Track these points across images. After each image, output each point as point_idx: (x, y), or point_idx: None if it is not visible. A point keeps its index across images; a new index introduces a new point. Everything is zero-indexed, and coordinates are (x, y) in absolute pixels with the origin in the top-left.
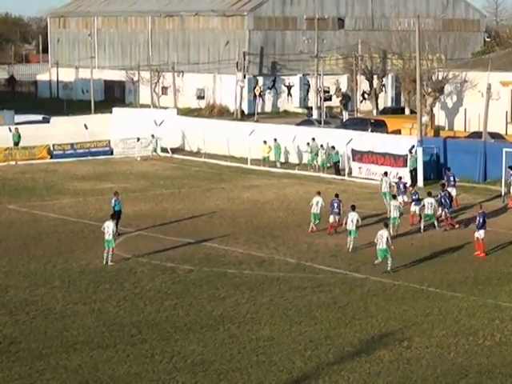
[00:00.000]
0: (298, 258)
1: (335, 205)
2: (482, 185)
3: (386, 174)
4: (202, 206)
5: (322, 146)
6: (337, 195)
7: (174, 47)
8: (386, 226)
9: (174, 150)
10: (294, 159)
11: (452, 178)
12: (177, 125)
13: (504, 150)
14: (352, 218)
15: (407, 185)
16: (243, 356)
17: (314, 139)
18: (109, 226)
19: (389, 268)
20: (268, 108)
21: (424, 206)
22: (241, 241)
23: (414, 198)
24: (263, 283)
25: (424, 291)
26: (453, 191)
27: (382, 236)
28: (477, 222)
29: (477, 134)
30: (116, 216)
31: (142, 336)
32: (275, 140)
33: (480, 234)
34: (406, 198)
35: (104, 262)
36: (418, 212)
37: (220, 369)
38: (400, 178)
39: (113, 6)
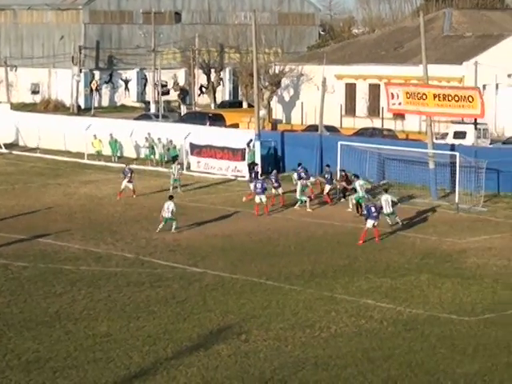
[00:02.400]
0: (136, 252)
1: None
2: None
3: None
4: (38, 202)
5: (159, 139)
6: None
7: (7, 41)
8: (386, 190)
9: (7, 146)
10: (131, 154)
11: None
12: (10, 120)
13: (339, 142)
14: (168, 206)
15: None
16: (80, 353)
17: (149, 134)
18: None
19: (399, 221)
20: (105, 102)
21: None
22: (77, 236)
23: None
24: (100, 279)
25: (262, 284)
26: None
27: (388, 200)
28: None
29: (313, 127)
30: None
31: None
32: (111, 135)
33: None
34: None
35: None
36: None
37: (56, 366)
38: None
39: None
